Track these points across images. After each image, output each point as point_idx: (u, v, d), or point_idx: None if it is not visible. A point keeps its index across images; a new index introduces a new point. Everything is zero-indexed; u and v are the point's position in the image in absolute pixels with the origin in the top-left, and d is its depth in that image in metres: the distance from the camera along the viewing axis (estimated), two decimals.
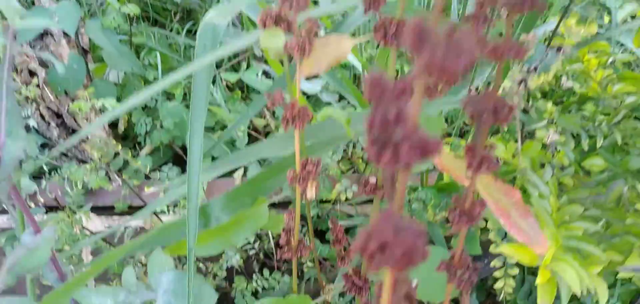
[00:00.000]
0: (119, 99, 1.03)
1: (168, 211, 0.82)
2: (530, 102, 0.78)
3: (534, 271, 0.89)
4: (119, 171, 0.73)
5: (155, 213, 0.84)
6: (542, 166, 0.67)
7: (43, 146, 1.03)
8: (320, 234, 1.03)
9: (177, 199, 0.70)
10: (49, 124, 0.99)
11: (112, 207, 0.97)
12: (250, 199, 0.50)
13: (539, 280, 0.43)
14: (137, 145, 1.04)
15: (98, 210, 0.99)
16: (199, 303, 0.47)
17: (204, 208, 0.47)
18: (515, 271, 0.66)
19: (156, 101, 1.02)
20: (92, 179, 0.71)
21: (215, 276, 0.85)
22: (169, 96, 1.04)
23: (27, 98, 0.85)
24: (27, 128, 0.97)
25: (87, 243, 0.59)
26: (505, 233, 0.71)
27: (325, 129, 0.51)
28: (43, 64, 1.04)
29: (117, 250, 0.45)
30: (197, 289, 0.47)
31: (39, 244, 0.42)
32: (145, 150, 1.02)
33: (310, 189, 0.43)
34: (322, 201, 0.99)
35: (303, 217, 0.86)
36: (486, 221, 0.73)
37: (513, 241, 0.50)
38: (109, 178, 0.92)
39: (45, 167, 1.01)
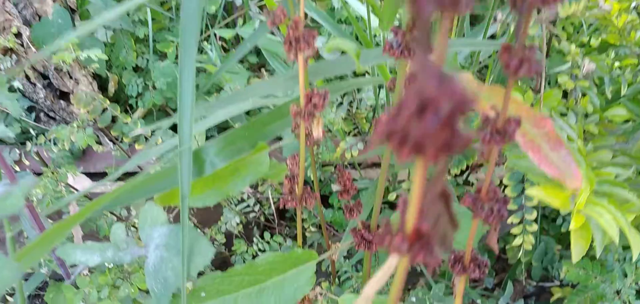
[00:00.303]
0: (108, 60, 0.98)
1: None
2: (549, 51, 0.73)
3: (548, 231, 0.85)
4: (108, 128, 0.68)
5: None
6: (563, 115, 0.62)
7: (29, 110, 0.98)
8: (323, 200, 0.99)
9: (170, 155, 0.65)
10: (34, 85, 0.93)
11: (104, 174, 0.92)
12: (249, 145, 0.45)
13: (572, 225, 0.39)
14: (129, 108, 0.99)
15: (90, 176, 0.94)
16: (194, 258, 0.42)
17: (197, 153, 0.42)
18: (534, 227, 0.62)
19: (147, 60, 0.96)
20: (79, 137, 0.66)
21: (214, 241, 0.81)
22: (160, 55, 0.98)
23: (14, 53, 0.79)
24: (12, 89, 0.92)
25: (72, 198, 0.55)
26: (522, 190, 0.67)
27: (332, 69, 0.46)
28: (27, 22, 0.98)
29: (101, 198, 0.40)
30: (191, 243, 0.42)
31: (12, 190, 0.37)
32: (138, 113, 0.97)
33: (317, 127, 0.39)
34: (324, 165, 0.95)
35: (306, 182, 0.81)
36: (500, 181, 0.69)
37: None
38: (100, 143, 0.87)
39: (32, 132, 0.96)
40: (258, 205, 0.85)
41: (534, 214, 0.63)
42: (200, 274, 0.46)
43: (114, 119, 0.68)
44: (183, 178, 0.39)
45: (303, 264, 0.49)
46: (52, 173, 0.59)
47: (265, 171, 0.47)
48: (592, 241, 0.41)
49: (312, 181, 0.58)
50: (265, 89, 0.48)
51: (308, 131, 0.46)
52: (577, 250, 0.39)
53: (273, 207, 0.91)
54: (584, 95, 0.61)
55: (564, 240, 0.84)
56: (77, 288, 0.49)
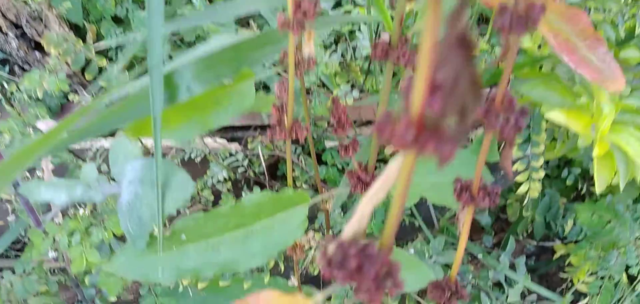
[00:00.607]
0: (86, 10, 0.92)
1: None
2: None
3: (551, 184, 0.82)
4: (83, 74, 0.63)
5: None
6: None
7: (3, 63, 0.92)
8: (316, 157, 0.95)
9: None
10: (6, 35, 0.87)
11: None
12: (231, 71, 0.40)
13: (595, 152, 0.35)
14: (108, 61, 0.93)
15: None
16: (171, 192, 0.38)
17: (170, 76, 0.37)
18: (541, 174, 0.58)
19: (127, 9, 0.90)
20: (51, 82, 0.60)
21: (201, 197, 0.77)
22: (141, 4, 0.92)
23: None
24: None
25: (38, 136, 0.50)
26: (529, 137, 0.63)
27: None
28: None
29: (63, 122, 0.35)
30: (168, 176, 0.38)
31: None
32: (119, 65, 0.91)
33: (308, 42, 0.34)
34: (317, 120, 0.90)
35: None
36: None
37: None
38: (76, 92, 0.81)
39: (6, 86, 0.91)
40: (247, 161, 0.80)
41: (541, 161, 0.59)
42: None
43: (88, 62, 0.63)
44: (154, 99, 0.34)
45: (295, 207, 0.44)
46: (19, 115, 0.54)
47: (251, 102, 0.42)
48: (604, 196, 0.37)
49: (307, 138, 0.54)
50: (246, 4, 0.43)
51: (298, 60, 0.41)
52: (600, 180, 0.35)
53: (264, 164, 0.87)
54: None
55: (569, 194, 0.81)
56: (46, 233, 0.45)
